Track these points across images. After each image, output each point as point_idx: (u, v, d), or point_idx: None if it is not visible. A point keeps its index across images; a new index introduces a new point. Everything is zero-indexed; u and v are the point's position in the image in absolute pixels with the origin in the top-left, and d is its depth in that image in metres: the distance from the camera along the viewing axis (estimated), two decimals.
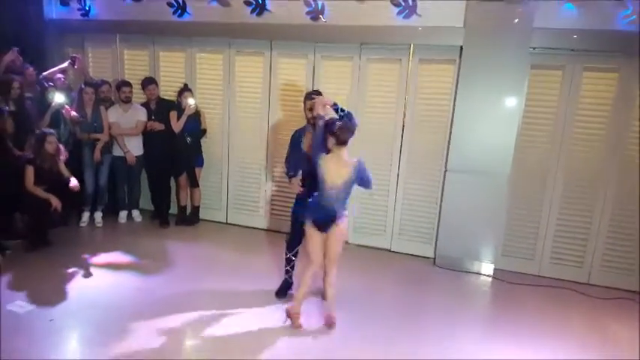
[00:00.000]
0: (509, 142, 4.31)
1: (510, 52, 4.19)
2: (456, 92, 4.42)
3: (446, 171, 4.56)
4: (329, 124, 3.21)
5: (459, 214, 4.50)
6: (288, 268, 3.82)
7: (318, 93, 3.64)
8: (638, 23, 3.90)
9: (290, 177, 3.70)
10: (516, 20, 4.14)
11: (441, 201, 4.63)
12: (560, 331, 3.60)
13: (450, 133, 4.50)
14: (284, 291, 3.83)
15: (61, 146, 4.53)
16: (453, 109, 4.46)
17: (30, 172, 4.29)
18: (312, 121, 3.53)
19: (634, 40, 3.93)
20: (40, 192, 4.31)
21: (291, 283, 3.85)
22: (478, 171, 4.39)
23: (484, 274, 4.52)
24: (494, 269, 4.52)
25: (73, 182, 4.45)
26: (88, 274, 4.07)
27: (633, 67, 4.06)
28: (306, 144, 3.60)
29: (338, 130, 3.15)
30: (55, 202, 4.32)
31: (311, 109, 3.50)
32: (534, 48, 4.19)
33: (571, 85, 4.24)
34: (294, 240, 3.71)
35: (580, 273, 4.46)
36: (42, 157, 4.35)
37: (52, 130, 4.47)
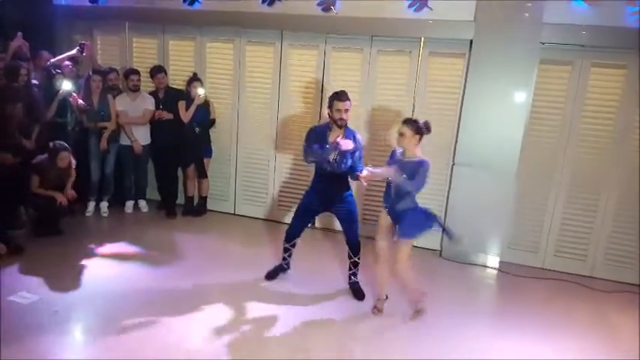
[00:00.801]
0: (517, 136, 4.36)
1: (520, 46, 4.23)
2: (465, 86, 4.46)
3: (453, 164, 4.60)
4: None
5: (466, 207, 4.55)
6: (286, 255, 3.93)
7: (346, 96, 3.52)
8: None
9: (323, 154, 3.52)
10: (526, 15, 4.19)
11: (449, 194, 4.68)
12: (564, 323, 3.65)
13: (459, 126, 4.54)
14: (275, 274, 3.96)
15: (73, 161, 4.47)
16: (462, 103, 4.50)
17: (35, 180, 4.29)
18: (339, 123, 3.48)
19: None
20: (44, 192, 4.33)
21: (286, 269, 3.96)
22: (485, 165, 4.43)
23: (490, 267, 4.57)
24: (500, 262, 4.57)
25: (66, 193, 4.43)
26: (93, 265, 4.04)
27: None
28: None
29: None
30: (61, 198, 4.36)
31: (340, 110, 3.44)
32: (543, 43, 4.24)
33: (579, 81, 4.29)
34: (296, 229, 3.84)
35: (583, 266, 4.53)
36: (53, 171, 4.35)
37: (65, 145, 4.40)
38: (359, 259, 3.76)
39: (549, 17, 4.15)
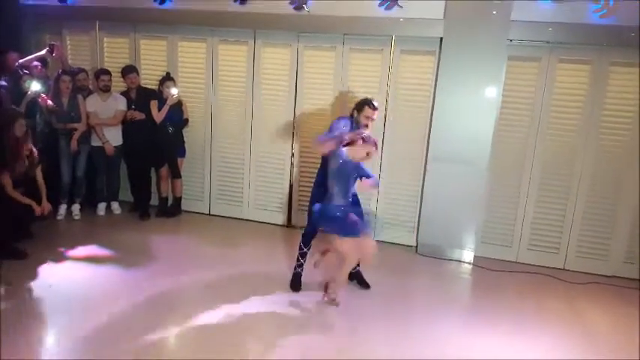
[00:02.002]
0: (488, 131, 4.41)
1: (488, 44, 4.30)
2: (436, 82, 4.51)
3: (427, 160, 4.63)
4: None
5: (440, 202, 4.58)
6: (303, 261, 3.78)
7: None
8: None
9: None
10: (494, 13, 4.26)
11: (423, 190, 4.71)
12: (538, 316, 3.68)
13: (431, 123, 4.58)
14: (300, 282, 3.80)
15: (33, 148, 4.25)
16: (434, 100, 4.54)
17: (7, 179, 4.05)
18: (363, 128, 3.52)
19: (605, 32, 4.10)
20: (20, 197, 4.11)
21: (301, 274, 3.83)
22: (458, 160, 4.48)
23: (465, 262, 4.60)
24: (475, 256, 4.61)
25: (43, 206, 4.25)
26: (65, 269, 3.94)
27: (604, 58, 4.23)
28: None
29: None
30: (39, 210, 4.16)
31: (368, 117, 3.54)
32: (511, 40, 4.31)
33: (547, 76, 4.38)
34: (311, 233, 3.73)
35: (556, 259, 4.59)
36: (9, 140, 4.07)
37: (20, 111, 4.28)
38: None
39: (517, 15, 4.23)
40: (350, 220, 3.28)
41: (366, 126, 3.54)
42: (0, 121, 4.11)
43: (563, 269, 4.56)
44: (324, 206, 3.38)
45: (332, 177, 3.33)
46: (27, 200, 4.15)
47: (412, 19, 4.43)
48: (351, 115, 3.64)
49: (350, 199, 3.43)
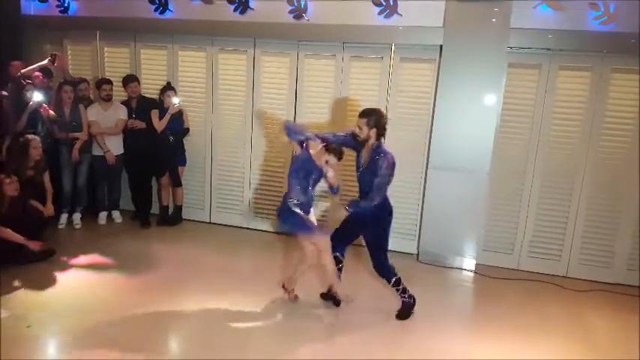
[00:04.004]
0: (489, 139, 4.41)
1: (488, 51, 4.30)
2: (436, 90, 4.51)
3: (427, 168, 4.62)
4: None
5: (441, 210, 4.57)
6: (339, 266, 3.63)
7: (369, 112, 3.41)
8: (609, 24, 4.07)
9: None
10: (494, 20, 4.26)
11: (423, 198, 4.69)
12: (540, 324, 3.66)
13: (431, 130, 4.57)
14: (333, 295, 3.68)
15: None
16: (434, 107, 4.54)
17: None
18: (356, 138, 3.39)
19: (605, 39, 4.09)
20: (15, 237, 3.95)
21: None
22: (459, 168, 4.47)
23: (466, 269, 4.58)
24: (476, 264, 4.59)
25: (47, 209, 4.39)
26: (67, 278, 3.95)
27: (605, 65, 4.21)
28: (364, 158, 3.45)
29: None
30: (33, 245, 4.03)
31: (360, 128, 3.35)
32: (511, 47, 4.31)
33: (547, 83, 4.37)
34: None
35: (558, 266, 4.57)
36: (26, 164, 4.25)
37: (36, 138, 4.36)
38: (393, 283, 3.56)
39: (516, 22, 4.23)
40: (304, 218, 3.36)
41: (357, 134, 3.38)
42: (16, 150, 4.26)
43: (566, 277, 4.53)
44: (284, 205, 3.44)
45: (293, 171, 3.39)
46: (21, 239, 3.99)
47: (412, 27, 4.44)
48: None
49: (310, 199, 3.47)
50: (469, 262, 4.59)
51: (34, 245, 4.04)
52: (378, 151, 3.35)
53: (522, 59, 4.37)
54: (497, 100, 4.37)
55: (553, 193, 4.50)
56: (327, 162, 3.33)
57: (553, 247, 4.57)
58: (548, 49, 4.29)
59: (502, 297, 4.10)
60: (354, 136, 3.41)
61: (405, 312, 3.58)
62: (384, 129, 3.39)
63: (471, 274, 4.54)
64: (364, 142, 3.38)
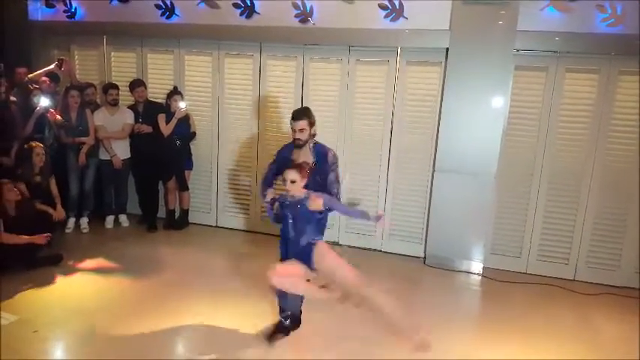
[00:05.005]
0: (495, 141, 4.39)
1: (495, 54, 4.29)
2: (442, 93, 4.50)
3: (434, 171, 4.61)
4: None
5: (448, 213, 4.56)
6: None
7: (307, 112, 3.22)
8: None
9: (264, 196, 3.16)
10: (500, 23, 4.25)
11: (430, 201, 4.68)
12: (548, 328, 3.64)
13: (438, 133, 4.56)
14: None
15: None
16: (440, 110, 4.53)
17: None
18: (295, 143, 3.18)
19: (613, 41, 4.07)
20: (19, 239, 3.95)
21: None
22: (465, 171, 4.46)
23: (474, 273, 4.56)
24: (484, 268, 4.57)
25: (58, 213, 4.44)
26: (74, 282, 3.98)
27: (612, 67, 4.20)
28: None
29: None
30: (40, 240, 4.04)
31: (295, 131, 3.15)
32: (518, 50, 4.30)
33: (554, 86, 4.35)
34: None
35: (566, 270, 4.54)
36: (31, 170, 4.30)
37: (39, 144, 4.41)
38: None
39: (523, 25, 4.22)
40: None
41: (298, 139, 3.13)
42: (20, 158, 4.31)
43: (574, 280, 4.50)
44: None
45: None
46: (27, 239, 4.01)
47: (418, 30, 4.43)
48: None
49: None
50: (476, 266, 4.57)
51: (40, 240, 4.06)
52: (319, 147, 3.20)
53: (529, 62, 4.36)
54: (504, 102, 4.36)
55: (561, 196, 4.48)
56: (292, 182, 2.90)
57: (561, 251, 4.54)
58: (555, 52, 4.27)
59: (510, 300, 4.08)
60: (279, 158, 3.24)
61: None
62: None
63: (479, 278, 4.52)
64: (301, 146, 3.16)
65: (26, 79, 4.93)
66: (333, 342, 3.29)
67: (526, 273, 4.61)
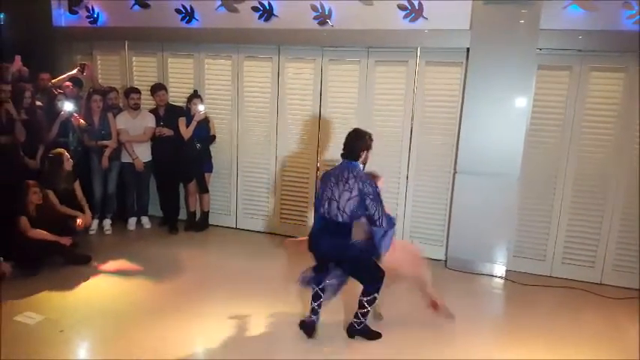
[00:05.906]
0: (518, 142, 4.32)
1: (517, 53, 4.22)
2: (463, 94, 4.45)
3: (455, 173, 4.56)
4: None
5: (470, 215, 4.50)
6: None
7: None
8: None
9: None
10: (522, 22, 4.18)
11: (451, 203, 4.63)
12: (574, 332, 3.57)
13: (459, 134, 4.51)
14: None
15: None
16: (461, 111, 4.48)
17: (24, 222, 4.03)
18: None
19: (639, 39, 3.97)
20: (45, 235, 4.09)
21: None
22: (487, 172, 4.40)
23: (496, 276, 4.50)
24: (507, 271, 4.50)
25: (86, 218, 4.53)
26: (98, 283, 4.05)
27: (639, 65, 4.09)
28: None
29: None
30: (65, 241, 4.18)
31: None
32: (541, 49, 4.22)
33: (578, 85, 4.26)
34: None
35: (592, 273, 4.44)
36: (59, 177, 4.40)
37: (62, 146, 4.53)
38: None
39: (546, 23, 4.15)
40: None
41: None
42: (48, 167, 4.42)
43: (600, 284, 4.40)
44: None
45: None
46: (52, 237, 4.13)
47: (437, 30, 4.39)
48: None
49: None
50: (499, 269, 4.51)
51: (65, 241, 4.18)
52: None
53: (552, 61, 4.28)
54: (527, 103, 4.29)
55: (586, 198, 4.38)
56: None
57: (586, 254, 4.44)
58: (579, 50, 4.18)
59: (534, 304, 4.01)
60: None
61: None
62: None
63: (502, 281, 4.45)
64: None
65: (50, 84, 5.03)
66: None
67: (550, 276, 4.53)
